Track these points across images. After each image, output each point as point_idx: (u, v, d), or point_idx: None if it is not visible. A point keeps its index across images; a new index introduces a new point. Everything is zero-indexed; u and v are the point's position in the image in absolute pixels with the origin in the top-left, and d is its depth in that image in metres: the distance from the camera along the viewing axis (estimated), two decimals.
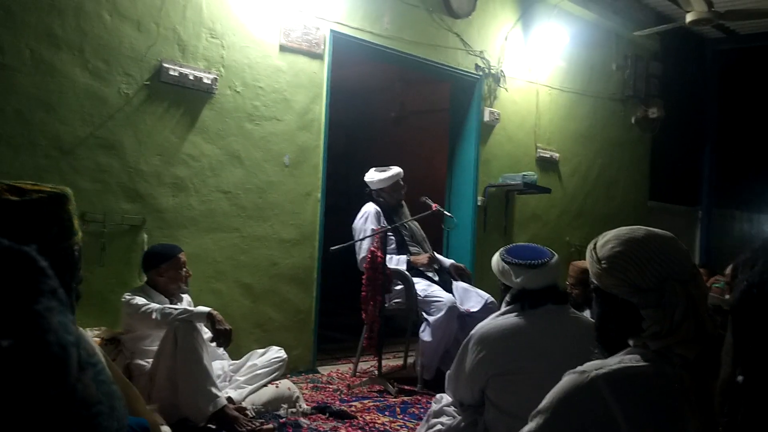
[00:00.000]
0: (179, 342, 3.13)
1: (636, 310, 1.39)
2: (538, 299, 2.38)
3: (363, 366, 4.66)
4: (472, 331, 2.41)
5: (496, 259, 2.51)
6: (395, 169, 4.74)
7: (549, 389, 1.42)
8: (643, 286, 1.38)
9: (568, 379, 1.38)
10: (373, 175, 4.76)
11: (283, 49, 4.39)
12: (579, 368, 1.38)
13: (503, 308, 2.47)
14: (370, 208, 4.69)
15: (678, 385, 1.31)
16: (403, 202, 4.84)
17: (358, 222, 4.69)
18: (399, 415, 3.65)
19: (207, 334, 3.32)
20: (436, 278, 4.54)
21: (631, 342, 1.43)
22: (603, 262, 1.42)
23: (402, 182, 4.79)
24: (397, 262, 4.52)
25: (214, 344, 3.30)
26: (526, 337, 2.31)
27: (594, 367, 1.36)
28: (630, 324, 1.41)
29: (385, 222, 4.59)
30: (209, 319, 3.22)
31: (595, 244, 1.48)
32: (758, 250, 0.75)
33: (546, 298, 2.39)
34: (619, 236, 1.45)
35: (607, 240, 1.46)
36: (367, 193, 4.81)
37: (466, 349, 2.39)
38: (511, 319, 2.38)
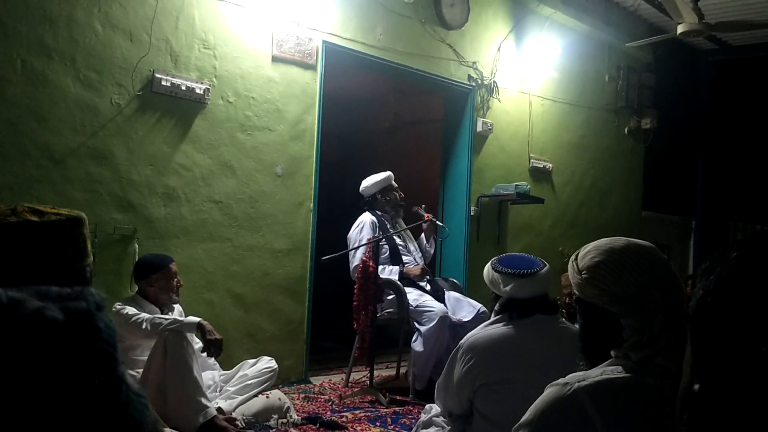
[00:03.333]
0: (169, 352, 3.12)
1: (617, 320, 1.40)
2: (527, 309, 2.38)
3: (355, 376, 4.65)
4: (461, 341, 2.42)
5: (487, 268, 2.52)
6: (385, 173, 4.82)
7: (535, 400, 1.42)
8: (622, 294, 1.39)
9: (550, 392, 1.38)
10: (368, 181, 4.81)
11: (275, 59, 4.40)
12: (561, 380, 1.38)
13: (492, 317, 2.47)
14: (366, 218, 4.72)
15: (659, 397, 1.32)
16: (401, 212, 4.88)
17: (353, 232, 4.71)
18: (390, 425, 3.64)
19: (198, 344, 3.32)
20: (428, 288, 4.54)
21: (613, 353, 1.43)
22: (583, 272, 1.43)
23: (394, 184, 4.84)
24: (389, 272, 4.52)
25: (204, 354, 3.30)
26: (515, 347, 2.31)
27: (576, 379, 1.37)
28: (612, 334, 1.41)
29: (380, 232, 4.60)
30: (199, 329, 3.22)
31: (576, 256, 1.49)
32: (716, 259, 0.76)
33: (535, 308, 2.39)
34: (599, 246, 1.46)
35: (587, 251, 1.47)
36: (363, 204, 4.84)
37: (455, 358, 2.40)
38: (500, 328, 2.38)
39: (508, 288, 2.39)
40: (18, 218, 1.19)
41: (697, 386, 0.70)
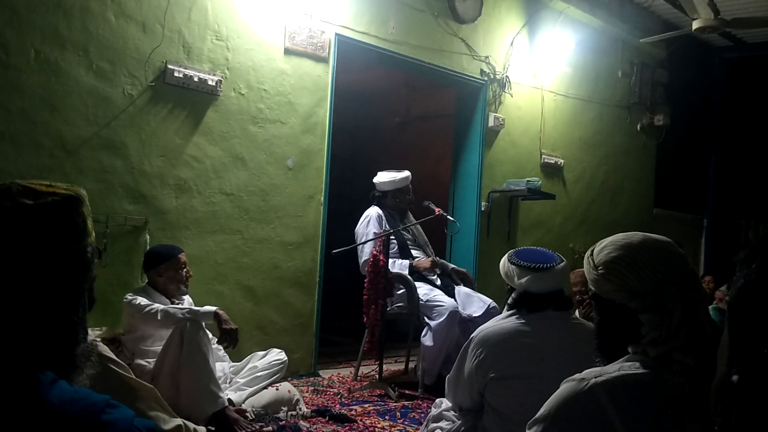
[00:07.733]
0: (185, 342, 3.12)
1: (634, 315, 1.38)
2: (540, 303, 2.36)
3: (364, 370, 4.65)
4: (473, 334, 2.40)
5: (504, 259, 2.50)
6: (404, 173, 4.79)
7: (548, 395, 1.41)
8: (640, 290, 1.37)
9: (566, 387, 1.37)
10: (385, 176, 4.77)
11: (287, 52, 4.39)
12: (578, 375, 1.37)
13: (505, 311, 2.46)
14: (372, 212, 4.69)
15: (677, 393, 1.30)
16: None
17: (360, 226, 4.69)
18: (399, 419, 3.64)
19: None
20: (439, 282, 4.53)
21: (630, 349, 1.41)
22: (600, 268, 1.41)
23: (410, 186, 4.82)
24: (399, 266, 4.51)
25: (215, 345, 3.30)
26: (527, 341, 2.29)
27: (593, 374, 1.35)
28: (629, 330, 1.39)
29: (387, 225, 4.58)
30: (216, 318, 3.23)
31: (592, 252, 1.47)
32: (757, 247, 0.74)
33: (548, 303, 2.37)
34: (615, 242, 1.44)
35: (603, 246, 1.45)
36: (373, 196, 4.81)
37: (466, 352, 2.38)
38: (513, 322, 2.37)
39: (522, 281, 2.37)
40: (11, 202, 1.17)
41: (735, 377, 0.68)
